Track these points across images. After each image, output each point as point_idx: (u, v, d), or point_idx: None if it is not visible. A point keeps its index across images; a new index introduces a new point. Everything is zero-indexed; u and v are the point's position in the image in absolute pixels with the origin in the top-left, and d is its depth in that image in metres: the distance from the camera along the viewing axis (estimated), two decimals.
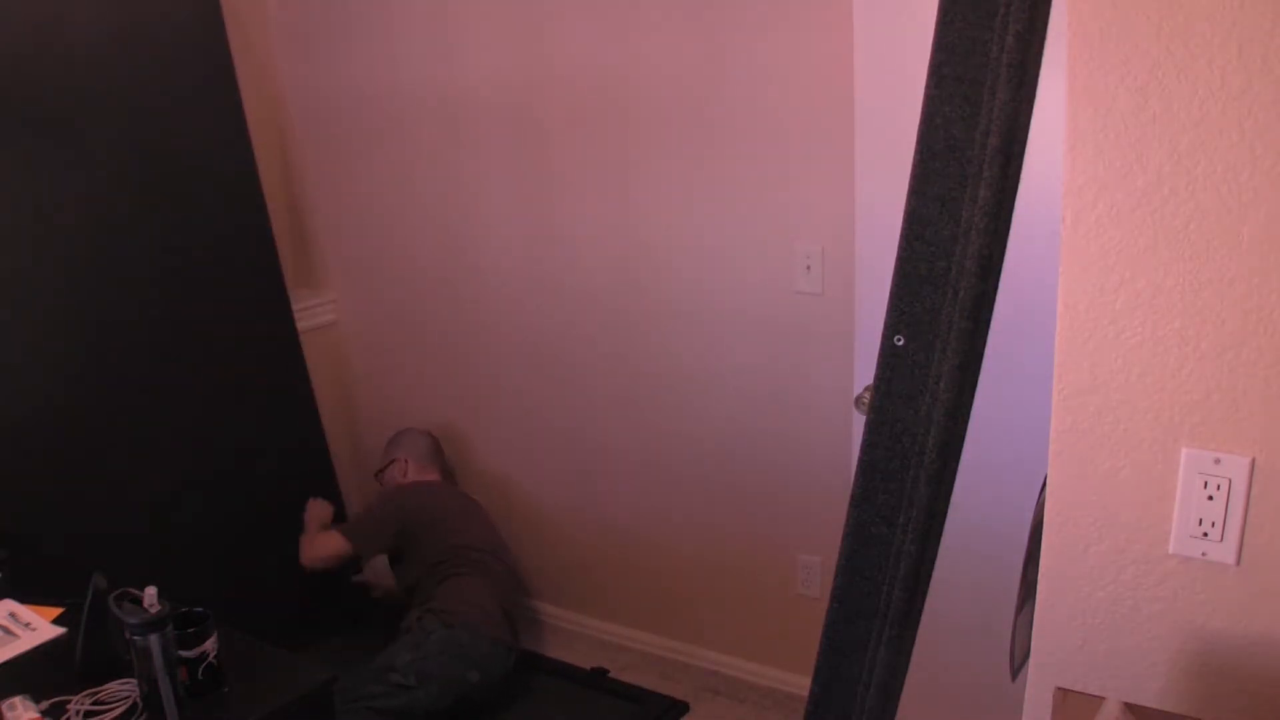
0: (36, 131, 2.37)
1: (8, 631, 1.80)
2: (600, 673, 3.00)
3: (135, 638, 1.53)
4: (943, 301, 1.30)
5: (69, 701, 1.60)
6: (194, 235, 2.68)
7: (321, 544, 2.93)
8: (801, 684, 2.82)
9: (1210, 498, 1.09)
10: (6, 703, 1.54)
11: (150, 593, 1.56)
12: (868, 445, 1.33)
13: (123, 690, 1.62)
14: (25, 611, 1.86)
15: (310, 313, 3.26)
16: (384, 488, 3.13)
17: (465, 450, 3.32)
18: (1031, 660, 1.26)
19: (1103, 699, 1.11)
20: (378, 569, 3.15)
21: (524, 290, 3.04)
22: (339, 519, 3.17)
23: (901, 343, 1.31)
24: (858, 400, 2.25)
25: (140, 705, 1.59)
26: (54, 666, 1.71)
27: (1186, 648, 1.15)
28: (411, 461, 3.13)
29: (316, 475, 3.10)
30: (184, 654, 1.60)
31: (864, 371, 2.26)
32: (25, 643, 1.77)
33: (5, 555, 2.03)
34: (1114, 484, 1.15)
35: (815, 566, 2.73)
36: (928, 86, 1.28)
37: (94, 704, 1.60)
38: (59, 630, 1.81)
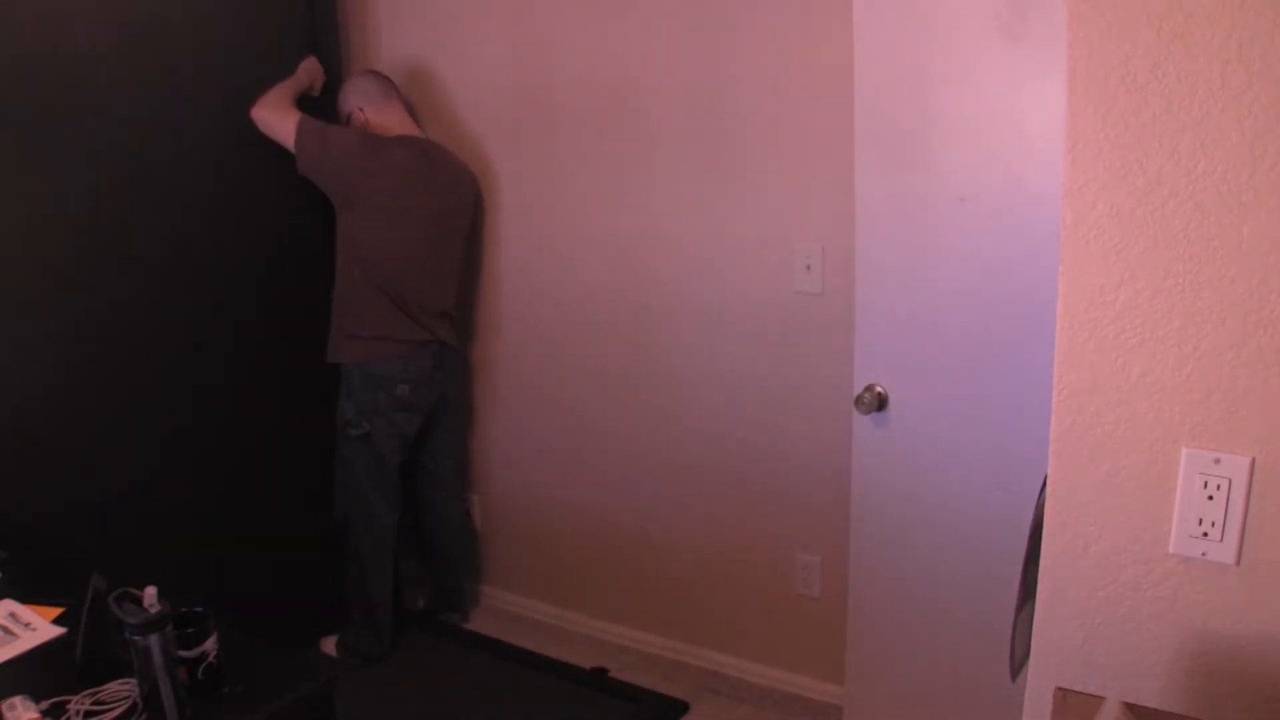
0: (76, 124, 2.38)
1: (8, 631, 1.80)
2: (600, 673, 3.00)
3: (135, 638, 1.53)
4: None
5: (69, 701, 1.59)
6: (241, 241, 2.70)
7: (277, 112, 2.70)
8: (801, 684, 2.82)
9: (1210, 498, 1.09)
10: (6, 703, 1.54)
11: (150, 593, 1.55)
12: None
13: (123, 690, 1.62)
14: (25, 611, 1.86)
15: None
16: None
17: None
18: (1031, 660, 1.26)
19: (1103, 699, 1.11)
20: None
21: (524, 288, 3.05)
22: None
23: None
24: (858, 400, 2.25)
25: (140, 705, 1.58)
26: (54, 666, 1.71)
27: (1186, 648, 1.15)
28: (378, 105, 2.88)
29: (317, 474, 3.09)
30: (184, 654, 1.60)
31: (864, 371, 2.26)
32: (25, 643, 1.77)
33: (5, 555, 2.04)
34: (1114, 484, 1.15)
35: (815, 566, 2.73)
36: None
37: (94, 704, 1.60)
38: (59, 630, 1.80)
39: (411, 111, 2.97)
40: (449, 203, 2.92)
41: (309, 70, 2.86)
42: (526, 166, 2.95)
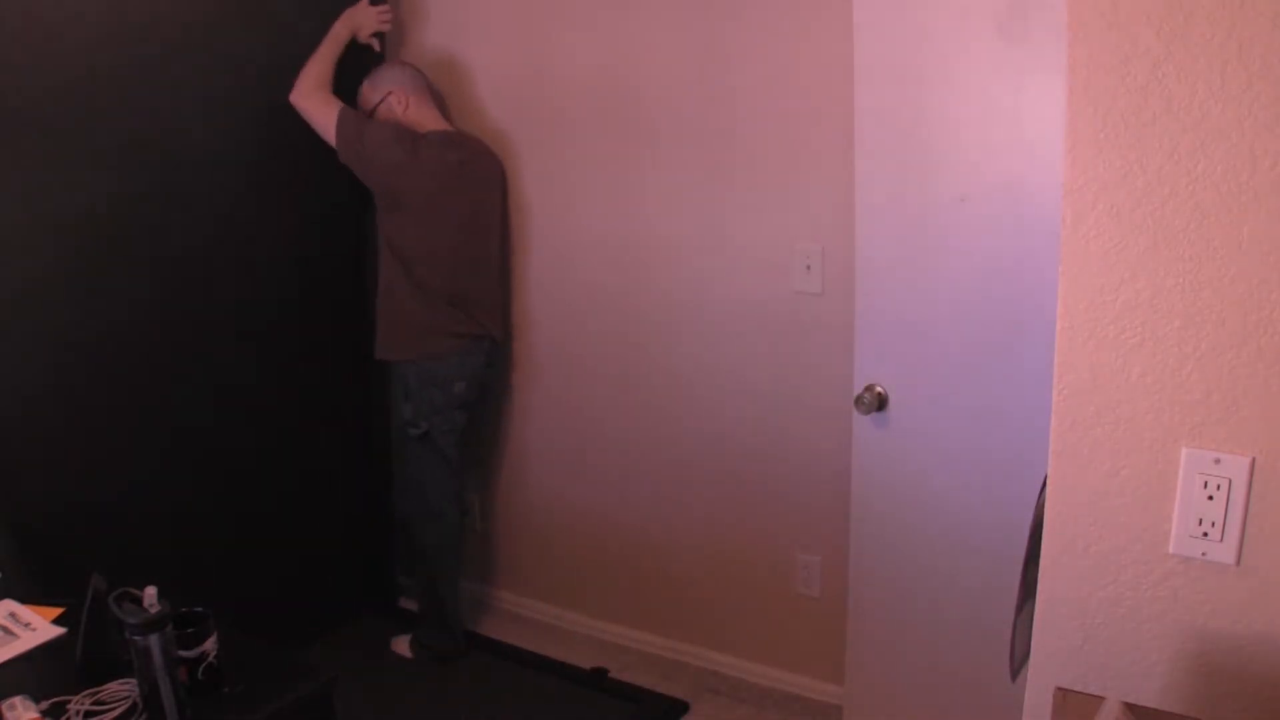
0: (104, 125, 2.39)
1: (8, 631, 1.80)
2: (600, 673, 3.00)
3: (135, 638, 1.53)
4: None
5: (69, 701, 1.59)
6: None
7: (318, 102, 2.72)
8: (801, 684, 2.82)
9: (1210, 498, 1.09)
10: (6, 703, 1.54)
11: (150, 593, 1.55)
12: None
13: (123, 690, 1.62)
14: (25, 611, 1.86)
15: None
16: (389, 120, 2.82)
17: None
18: (1031, 660, 1.26)
19: (1103, 699, 1.11)
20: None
21: (523, 288, 3.05)
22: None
23: None
24: (858, 400, 2.25)
25: (140, 705, 1.58)
26: (54, 666, 1.71)
27: (1186, 648, 1.15)
28: (411, 94, 2.82)
29: (318, 474, 3.10)
30: (183, 654, 1.60)
31: (864, 371, 2.26)
32: (25, 643, 1.77)
33: (5, 555, 2.03)
34: (1114, 484, 1.15)
35: (814, 565, 2.73)
36: None
37: (94, 704, 1.60)
38: (59, 630, 1.80)
39: (441, 104, 2.95)
40: (484, 196, 2.90)
41: (348, 22, 2.80)
42: (526, 166, 2.94)
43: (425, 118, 2.83)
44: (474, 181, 2.87)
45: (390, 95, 2.80)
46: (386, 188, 2.76)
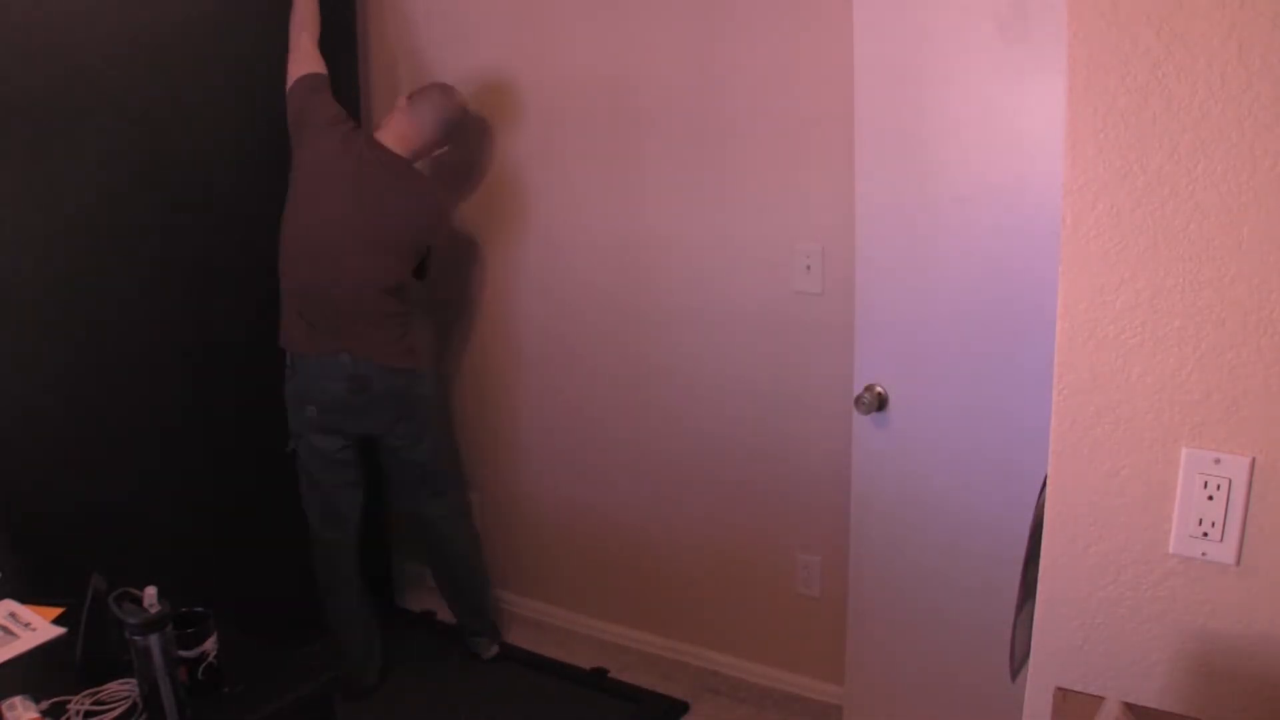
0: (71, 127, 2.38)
1: (8, 631, 1.80)
2: (600, 673, 3.00)
3: (135, 638, 1.53)
4: None
5: (69, 701, 1.59)
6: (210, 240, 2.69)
7: (294, 61, 2.67)
8: (801, 684, 2.82)
9: (1210, 498, 1.09)
10: (6, 703, 1.54)
11: (150, 593, 1.56)
12: None
13: (123, 690, 1.62)
14: (25, 611, 1.86)
15: None
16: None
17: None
18: (1031, 660, 1.26)
19: (1103, 699, 1.11)
20: None
21: (524, 289, 3.05)
22: None
23: None
24: (858, 400, 2.25)
25: (140, 705, 1.58)
26: (54, 666, 1.71)
27: (1186, 648, 1.15)
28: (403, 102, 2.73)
29: None
30: (183, 654, 1.60)
31: (864, 371, 2.26)
32: (25, 643, 1.77)
33: (5, 555, 2.03)
34: (1114, 484, 1.15)
35: (815, 566, 2.73)
36: None
37: (94, 704, 1.60)
38: (59, 630, 1.80)
39: (428, 137, 2.76)
40: (392, 226, 2.68)
41: None
42: (526, 167, 2.95)
43: (389, 130, 2.72)
44: (386, 196, 2.67)
45: (402, 100, 2.75)
46: (295, 151, 2.66)
